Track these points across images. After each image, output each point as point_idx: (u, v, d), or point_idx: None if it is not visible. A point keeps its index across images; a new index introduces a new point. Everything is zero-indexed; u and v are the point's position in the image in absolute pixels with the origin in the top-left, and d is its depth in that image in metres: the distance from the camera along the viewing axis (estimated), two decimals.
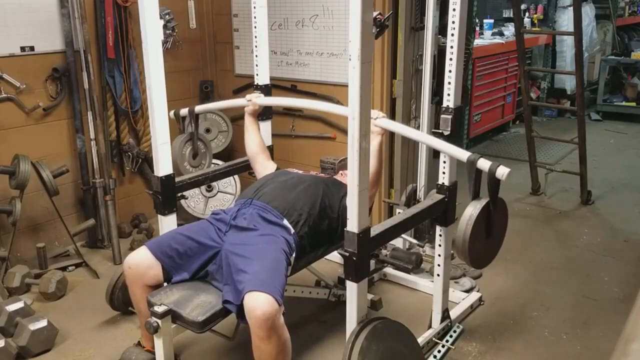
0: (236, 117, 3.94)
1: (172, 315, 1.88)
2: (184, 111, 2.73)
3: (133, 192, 3.66)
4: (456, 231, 2.06)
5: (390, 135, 3.21)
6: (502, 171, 1.94)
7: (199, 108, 2.73)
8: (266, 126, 2.84)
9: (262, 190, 2.23)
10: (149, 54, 2.17)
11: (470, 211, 2.03)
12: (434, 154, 2.90)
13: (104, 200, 3.22)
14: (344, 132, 3.22)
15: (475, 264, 2.18)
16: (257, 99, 2.64)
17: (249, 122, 2.65)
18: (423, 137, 2.15)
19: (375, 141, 2.18)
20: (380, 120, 2.20)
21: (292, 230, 2.09)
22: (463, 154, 2.06)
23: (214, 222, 2.10)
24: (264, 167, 2.57)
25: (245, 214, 2.09)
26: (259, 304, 1.71)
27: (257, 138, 2.64)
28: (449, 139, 2.21)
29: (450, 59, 2.17)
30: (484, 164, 1.99)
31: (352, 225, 1.79)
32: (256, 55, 2.77)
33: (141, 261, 1.99)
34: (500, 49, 5.30)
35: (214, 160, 3.60)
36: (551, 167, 4.16)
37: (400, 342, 2.02)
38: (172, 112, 2.67)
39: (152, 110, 2.27)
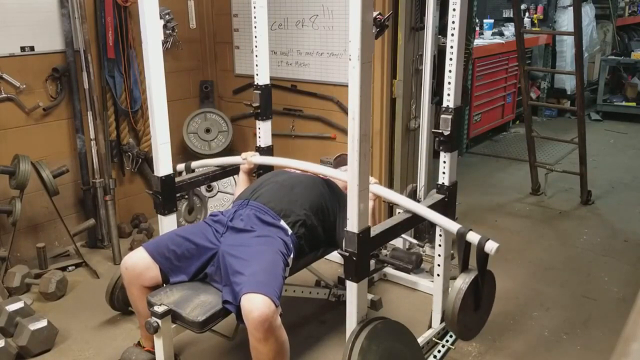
0: (236, 117, 3.95)
1: (172, 315, 1.88)
2: (180, 167, 2.71)
3: (133, 192, 3.66)
4: (445, 304, 2.09)
5: (391, 135, 3.21)
6: (491, 246, 1.97)
7: (195, 164, 2.73)
8: (266, 126, 2.84)
9: (259, 191, 2.22)
10: (149, 54, 2.17)
11: (459, 284, 2.05)
12: (434, 154, 2.90)
13: (104, 200, 3.22)
14: (344, 132, 3.23)
15: (464, 335, 2.22)
16: (252, 158, 2.63)
17: (243, 179, 2.64)
18: (416, 207, 2.14)
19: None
20: (373, 187, 2.17)
21: (290, 231, 2.08)
22: (453, 227, 2.07)
23: (211, 224, 2.10)
24: None
25: (242, 215, 2.09)
26: (256, 305, 1.71)
27: None
28: (448, 140, 2.21)
29: (450, 59, 2.17)
30: (473, 237, 2.01)
31: (352, 225, 1.79)
32: (256, 55, 2.76)
33: (138, 262, 1.99)
34: (500, 49, 5.30)
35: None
36: (551, 167, 4.16)
37: (400, 342, 2.02)
38: None
39: (152, 110, 2.27)
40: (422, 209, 2.14)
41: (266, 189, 2.22)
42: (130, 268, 2.00)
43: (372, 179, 2.19)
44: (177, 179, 2.43)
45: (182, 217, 2.67)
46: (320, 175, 2.41)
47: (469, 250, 2.05)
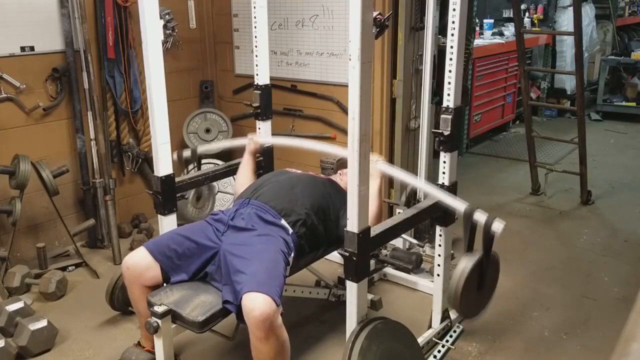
0: (236, 117, 3.95)
1: (172, 315, 1.88)
2: (186, 152, 2.71)
3: (133, 192, 3.66)
4: (449, 282, 2.09)
5: (390, 135, 3.21)
6: (498, 226, 1.97)
7: (201, 149, 2.72)
8: (266, 126, 2.84)
9: (260, 190, 2.22)
10: (149, 54, 2.17)
11: (463, 265, 2.05)
12: (434, 154, 2.90)
13: (104, 200, 3.22)
14: (344, 132, 3.22)
15: (466, 314, 2.23)
16: (258, 138, 2.64)
17: (247, 160, 2.62)
18: (422, 185, 2.19)
19: (374, 184, 2.20)
20: (379, 165, 2.21)
21: (290, 230, 2.09)
22: (460, 206, 2.08)
23: (212, 223, 2.10)
24: None
25: (243, 214, 2.09)
26: (257, 304, 1.71)
27: (250, 178, 2.57)
28: (448, 140, 2.21)
29: (450, 59, 2.16)
30: (479, 217, 2.01)
31: (352, 225, 1.79)
32: (256, 55, 2.76)
33: (139, 262, 1.99)
34: (500, 49, 5.30)
35: (214, 160, 3.61)
36: (551, 167, 4.16)
37: (400, 342, 2.02)
38: (174, 155, 2.63)
39: (152, 110, 2.27)
40: (428, 187, 2.17)
41: (267, 188, 2.22)
42: (132, 267, 2.00)
43: (376, 156, 2.20)
44: (177, 179, 2.42)
45: (190, 204, 2.64)
46: (321, 176, 2.42)
47: (474, 230, 2.04)
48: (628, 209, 3.92)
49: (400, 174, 2.31)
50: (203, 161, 2.83)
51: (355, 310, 1.89)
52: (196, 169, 2.70)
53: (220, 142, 2.76)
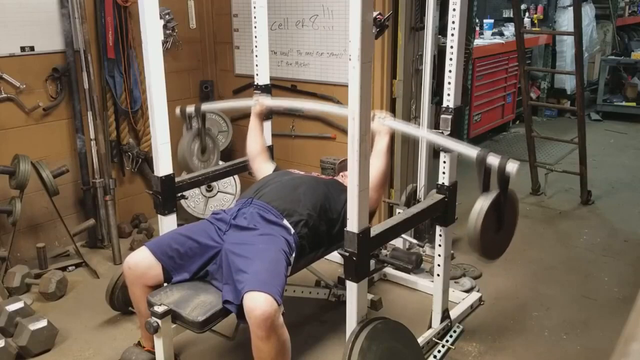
0: (236, 117, 3.94)
1: (172, 315, 1.88)
2: (189, 108, 2.72)
3: (133, 192, 3.66)
4: (467, 224, 2.00)
5: (391, 135, 3.21)
6: (512, 167, 1.91)
7: (205, 107, 2.73)
8: (266, 126, 2.84)
9: (262, 190, 2.23)
10: (149, 54, 2.17)
11: (481, 204, 1.97)
12: (434, 154, 2.90)
13: (104, 200, 3.22)
14: (344, 132, 3.22)
15: (487, 256, 2.13)
16: (265, 100, 2.65)
17: (254, 123, 2.66)
18: (430, 136, 2.20)
19: (383, 141, 2.21)
20: (389, 121, 2.22)
21: (292, 231, 2.09)
22: (472, 152, 2.02)
23: (214, 222, 2.11)
24: (263, 167, 2.58)
25: (245, 214, 2.09)
26: (258, 304, 1.71)
27: (260, 140, 2.66)
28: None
29: (450, 59, 2.17)
30: (492, 160, 1.95)
31: (352, 225, 1.79)
32: (256, 55, 2.77)
33: (141, 261, 1.99)
34: (500, 49, 5.30)
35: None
36: (551, 167, 4.16)
37: (400, 342, 2.02)
38: (178, 109, 2.67)
39: (152, 110, 2.27)
40: (438, 138, 2.17)
41: (270, 189, 2.23)
42: (133, 267, 2.00)
43: (383, 113, 2.22)
44: (177, 179, 2.43)
45: (195, 156, 2.63)
46: (322, 176, 2.42)
47: (489, 173, 1.99)
48: (628, 209, 3.92)
49: (408, 128, 2.33)
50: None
51: (355, 310, 1.89)
52: (200, 122, 2.69)
53: (225, 102, 2.76)
